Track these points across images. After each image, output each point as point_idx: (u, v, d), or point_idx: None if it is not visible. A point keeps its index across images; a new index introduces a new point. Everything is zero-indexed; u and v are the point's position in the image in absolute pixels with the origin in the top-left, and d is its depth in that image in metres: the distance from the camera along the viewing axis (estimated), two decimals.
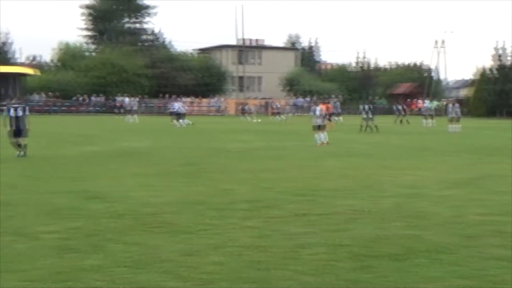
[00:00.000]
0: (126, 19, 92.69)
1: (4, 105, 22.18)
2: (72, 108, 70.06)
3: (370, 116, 38.91)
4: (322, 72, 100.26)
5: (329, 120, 37.90)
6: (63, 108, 69.84)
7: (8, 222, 10.17)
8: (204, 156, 21.96)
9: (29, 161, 19.52)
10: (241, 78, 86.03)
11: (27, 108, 21.69)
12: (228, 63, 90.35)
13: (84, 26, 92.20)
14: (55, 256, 8.19)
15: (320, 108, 29.10)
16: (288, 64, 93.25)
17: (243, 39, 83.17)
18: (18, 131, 20.79)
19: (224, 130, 39.47)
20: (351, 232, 9.77)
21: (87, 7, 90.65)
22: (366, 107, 40.28)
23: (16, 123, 20.83)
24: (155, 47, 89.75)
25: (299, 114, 70.88)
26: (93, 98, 71.56)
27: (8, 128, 20.84)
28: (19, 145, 20.82)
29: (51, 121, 51.69)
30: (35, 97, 71.73)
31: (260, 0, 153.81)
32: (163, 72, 79.13)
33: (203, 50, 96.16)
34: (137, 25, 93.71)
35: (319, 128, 27.76)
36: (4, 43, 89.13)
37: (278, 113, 60.35)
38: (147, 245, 8.79)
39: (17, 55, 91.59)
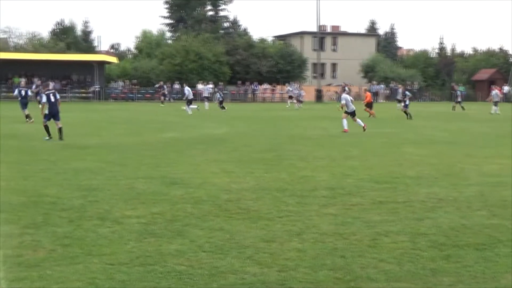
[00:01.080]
0: (207, 7, 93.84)
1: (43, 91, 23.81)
2: (149, 96, 70.63)
3: (407, 102, 38.44)
4: (401, 58, 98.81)
5: (368, 107, 39.03)
6: (140, 95, 70.76)
7: (93, 206, 10.40)
8: (283, 142, 21.95)
9: (111, 147, 19.91)
10: (315, 64, 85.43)
11: (57, 94, 22.97)
12: (304, 49, 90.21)
13: (166, 15, 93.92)
14: (138, 240, 8.35)
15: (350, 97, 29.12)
16: (366, 50, 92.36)
17: (318, 26, 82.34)
18: (52, 115, 22.21)
19: (301, 117, 39.39)
20: (433, 220, 9.62)
21: None
22: (407, 93, 40.72)
23: (50, 108, 22.16)
24: (234, 34, 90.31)
25: (379, 101, 70.46)
26: (176, 86, 71.96)
27: (46, 112, 22.21)
28: (48, 128, 22.17)
29: (131, 108, 52.64)
30: (118, 84, 73.13)
31: None
32: (241, 59, 79.44)
33: (279, 37, 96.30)
34: (216, 13, 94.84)
35: (353, 114, 27.97)
36: (86, 32, 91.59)
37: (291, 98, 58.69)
38: (228, 231, 8.85)
39: (95, 43, 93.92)
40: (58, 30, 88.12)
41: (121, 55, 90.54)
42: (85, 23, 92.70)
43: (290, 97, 59.31)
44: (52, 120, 22.20)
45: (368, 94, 42.01)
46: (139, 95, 70.55)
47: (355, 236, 8.64)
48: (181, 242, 8.27)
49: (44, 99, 22.40)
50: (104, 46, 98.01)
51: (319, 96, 73.55)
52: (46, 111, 22.14)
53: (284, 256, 7.64)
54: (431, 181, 13.41)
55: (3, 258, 7.46)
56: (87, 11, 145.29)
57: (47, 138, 21.84)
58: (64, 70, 70.27)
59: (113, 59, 75.33)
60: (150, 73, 75.59)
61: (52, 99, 22.15)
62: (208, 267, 7.21)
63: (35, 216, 9.60)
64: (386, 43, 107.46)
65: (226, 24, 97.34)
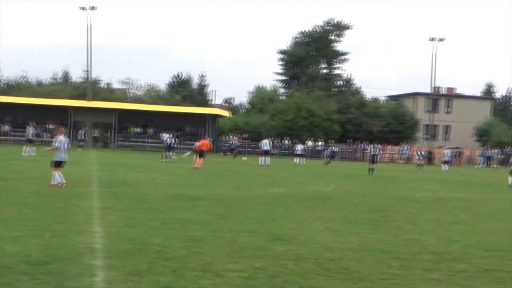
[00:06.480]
0: (321, 65, 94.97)
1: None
2: (258, 150, 70.92)
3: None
4: None
5: (200, 157, 38.24)
6: (250, 149, 71.33)
7: (196, 258, 10.52)
8: (391, 204, 21.64)
9: (218, 200, 20.16)
10: (427, 126, 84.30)
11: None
12: (417, 110, 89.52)
13: (280, 71, 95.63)
14: None
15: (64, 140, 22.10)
16: (481, 113, 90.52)
17: (433, 87, 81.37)
18: None
19: (411, 178, 38.77)
20: None
21: (283, 52, 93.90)
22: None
23: None
24: (346, 92, 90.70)
25: (492, 166, 68.88)
26: (286, 142, 72.47)
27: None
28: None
29: (240, 161, 53.26)
30: (231, 138, 74.15)
31: (450, 49, 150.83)
32: (352, 118, 79.55)
33: (392, 97, 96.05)
34: (330, 71, 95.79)
35: (59, 164, 21.86)
36: (201, 86, 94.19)
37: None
38: None
39: (210, 97, 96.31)
40: (175, 82, 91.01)
41: (234, 109, 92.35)
42: (201, 77, 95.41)
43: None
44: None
45: (203, 142, 40.60)
46: (249, 149, 71.30)
47: None
48: None
49: None
50: (218, 100, 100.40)
51: (429, 158, 72.48)
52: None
53: None
54: None
55: None
56: (203, 65, 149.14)
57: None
58: (178, 122, 72.17)
59: (226, 113, 76.91)
60: (261, 128, 76.53)
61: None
62: None
63: (140, 264, 9.80)
64: (503, 107, 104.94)
65: (339, 82, 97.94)
